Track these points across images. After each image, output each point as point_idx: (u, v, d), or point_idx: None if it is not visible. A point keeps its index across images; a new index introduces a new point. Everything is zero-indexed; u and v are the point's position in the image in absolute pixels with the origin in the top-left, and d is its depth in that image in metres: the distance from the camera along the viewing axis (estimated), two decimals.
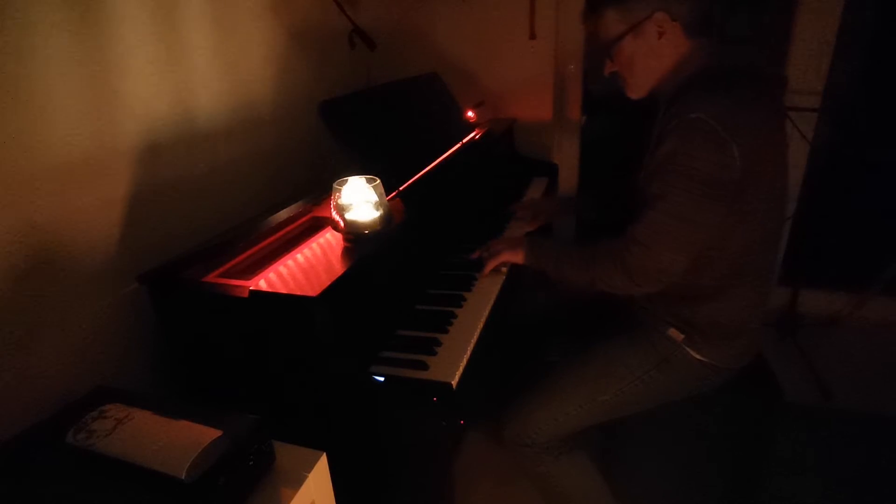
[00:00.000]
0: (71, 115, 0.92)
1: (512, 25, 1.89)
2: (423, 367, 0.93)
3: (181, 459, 0.61)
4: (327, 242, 1.08)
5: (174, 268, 0.97)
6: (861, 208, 2.07)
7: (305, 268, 0.97)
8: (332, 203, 1.04)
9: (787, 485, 1.42)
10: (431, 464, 0.99)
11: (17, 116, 0.84)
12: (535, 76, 1.94)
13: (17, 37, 0.84)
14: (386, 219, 1.06)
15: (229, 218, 1.24)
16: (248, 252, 1.08)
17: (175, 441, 0.64)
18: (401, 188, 1.21)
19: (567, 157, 2.15)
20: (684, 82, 0.98)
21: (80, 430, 0.68)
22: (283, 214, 1.16)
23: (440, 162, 1.42)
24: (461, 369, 0.93)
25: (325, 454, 0.74)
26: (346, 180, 1.03)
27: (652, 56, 1.01)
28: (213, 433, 0.65)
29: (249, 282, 0.92)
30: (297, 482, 0.69)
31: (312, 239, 1.11)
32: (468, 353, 0.97)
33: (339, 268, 0.93)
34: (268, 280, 0.93)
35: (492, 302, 1.13)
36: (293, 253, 1.05)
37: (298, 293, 0.86)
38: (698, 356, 1.06)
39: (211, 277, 0.97)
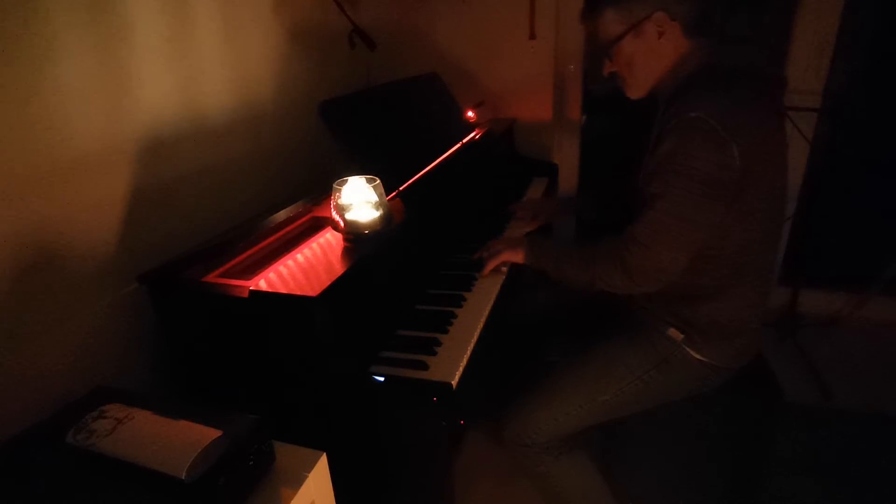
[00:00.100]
0: (71, 115, 0.92)
1: (512, 25, 1.89)
2: (423, 367, 0.93)
3: (181, 459, 0.61)
4: (327, 242, 1.09)
5: (174, 268, 0.97)
6: (861, 208, 2.07)
7: (305, 268, 0.97)
8: (332, 203, 1.04)
9: (787, 485, 1.42)
10: (431, 464, 0.99)
11: (18, 115, 0.84)
12: (535, 76, 1.94)
13: (22, 35, 0.84)
14: (386, 219, 1.06)
15: (229, 218, 1.24)
16: (248, 252, 1.08)
17: (175, 441, 0.64)
18: (401, 188, 1.21)
19: (567, 157, 2.15)
20: (684, 82, 0.98)
21: (80, 430, 0.68)
22: (283, 214, 1.16)
23: (440, 162, 1.42)
24: (461, 369, 0.93)
25: (325, 454, 0.74)
26: (346, 180, 1.03)
27: (651, 56, 1.01)
28: (213, 433, 0.65)
29: (249, 282, 0.92)
30: (297, 482, 0.69)
31: (312, 239, 1.11)
32: (468, 353, 0.97)
33: (339, 268, 0.93)
34: (268, 280, 0.93)
35: (492, 302, 1.13)
36: (293, 253, 1.05)
37: (298, 293, 0.86)
38: (698, 356, 1.06)
39: (211, 277, 0.97)
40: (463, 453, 1.60)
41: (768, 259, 1.06)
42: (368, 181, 1.03)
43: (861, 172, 2.02)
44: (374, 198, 1.03)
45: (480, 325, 1.05)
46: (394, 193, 1.17)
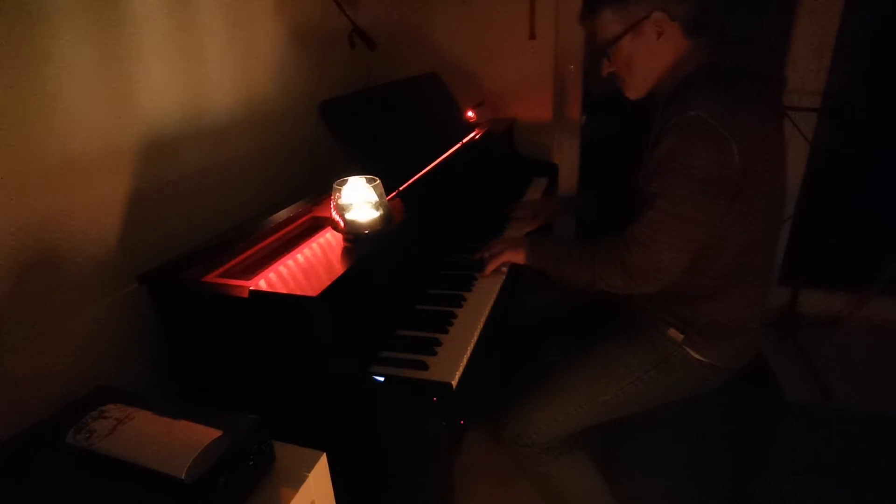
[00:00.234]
0: (72, 116, 0.92)
1: (512, 25, 1.89)
2: (423, 367, 0.93)
3: (181, 459, 0.61)
4: (327, 242, 1.09)
5: (174, 268, 0.97)
6: (861, 208, 2.07)
7: (305, 268, 0.97)
8: (332, 203, 1.04)
9: (787, 485, 1.42)
10: (431, 464, 0.99)
11: (19, 115, 0.84)
12: (534, 76, 1.94)
13: (26, 34, 0.84)
14: (386, 219, 1.06)
15: (229, 218, 1.24)
16: (248, 252, 1.08)
17: (175, 441, 0.64)
18: (401, 188, 1.21)
19: (567, 157, 2.15)
20: (683, 82, 0.98)
21: (80, 430, 0.68)
22: (283, 214, 1.16)
23: (440, 162, 1.42)
24: (461, 369, 0.93)
25: (325, 454, 0.74)
26: (346, 180, 1.03)
27: (650, 56, 1.01)
28: (213, 433, 0.65)
29: (249, 282, 0.92)
30: (297, 482, 0.69)
31: (312, 239, 1.11)
32: (468, 353, 0.97)
33: (339, 268, 0.93)
34: (268, 280, 0.93)
35: (492, 302, 1.13)
36: (293, 253, 1.05)
37: (298, 293, 0.86)
38: (698, 356, 1.06)
39: (211, 277, 0.97)
40: (463, 453, 1.60)
41: (768, 259, 1.06)
42: (368, 181, 1.03)
43: (861, 172, 2.02)
44: (374, 198, 1.04)
45: (480, 325, 1.05)
46: (394, 193, 1.17)
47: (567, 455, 1.14)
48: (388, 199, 1.11)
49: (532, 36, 1.88)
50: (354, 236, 1.04)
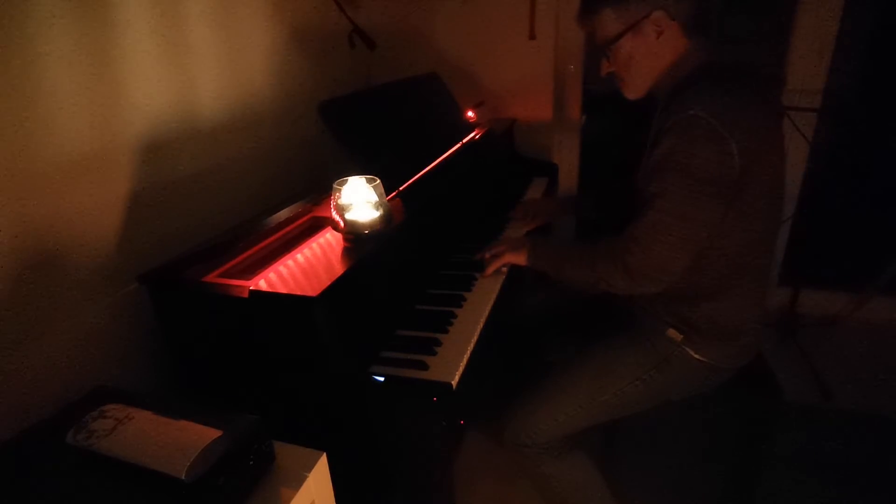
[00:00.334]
0: (72, 115, 0.92)
1: (512, 26, 1.89)
2: (423, 367, 0.93)
3: (181, 459, 0.61)
4: (327, 242, 1.09)
5: (174, 268, 0.97)
6: (861, 208, 2.07)
7: (305, 268, 0.97)
8: (332, 203, 1.04)
9: (787, 485, 1.42)
10: (431, 464, 0.99)
11: (17, 115, 0.84)
12: (534, 76, 1.94)
13: (19, 34, 0.84)
14: (386, 219, 1.06)
15: (229, 218, 1.24)
16: (248, 252, 1.08)
17: (175, 441, 0.64)
18: (401, 188, 1.21)
19: (567, 157, 2.15)
20: (682, 81, 0.98)
21: (80, 430, 0.68)
22: (283, 214, 1.16)
23: (440, 162, 1.42)
24: (461, 369, 0.93)
25: (325, 454, 0.74)
26: (346, 180, 1.03)
27: (650, 56, 1.01)
28: (213, 433, 0.65)
29: (249, 282, 0.92)
30: (297, 482, 0.69)
31: (312, 239, 1.11)
32: (468, 353, 0.97)
33: (339, 268, 0.93)
34: (268, 280, 0.93)
35: (492, 302, 1.13)
36: (293, 253, 1.05)
37: (298, 293, 0.86)
38: (697, 356, 1.06)
39: (211, 277, 0.97)
40: (463, 453, 1.60)
41: (767, 259, 1.06)
42: (368, 181, 1.03)
43: (861, 172, 2.02)
44: (374, 198, 1.04)
45: (480, 325, 1.05)
46: (394, 193, 1.17)
47: (567, 455, 1.14)
48: (388, 199, 1.11)
49: (532, 36, 1.88)
50: (354, 236, 1.04)
